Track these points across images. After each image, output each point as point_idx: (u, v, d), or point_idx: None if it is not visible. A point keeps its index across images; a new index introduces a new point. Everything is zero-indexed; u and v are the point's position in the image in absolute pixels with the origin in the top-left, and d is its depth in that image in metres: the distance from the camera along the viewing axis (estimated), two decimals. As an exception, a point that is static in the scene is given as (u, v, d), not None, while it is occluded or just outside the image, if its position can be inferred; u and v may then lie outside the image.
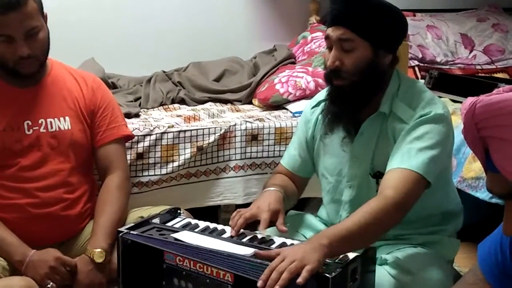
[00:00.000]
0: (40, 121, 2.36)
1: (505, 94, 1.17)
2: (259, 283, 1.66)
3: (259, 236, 1.99)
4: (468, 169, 2.78)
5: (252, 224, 2.01)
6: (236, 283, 1.73)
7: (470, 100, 1.20)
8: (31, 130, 2.35)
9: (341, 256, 1.79)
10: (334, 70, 2.02)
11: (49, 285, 2.22)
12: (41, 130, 2.36)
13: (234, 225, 1.98)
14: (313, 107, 2.26)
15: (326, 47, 2.07)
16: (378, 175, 2.06)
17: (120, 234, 1.97)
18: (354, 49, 1.99)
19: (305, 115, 2.29)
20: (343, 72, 2.01)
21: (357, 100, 2.05)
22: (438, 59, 3.81)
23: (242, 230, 1.98)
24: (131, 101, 3.30)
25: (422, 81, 3.46)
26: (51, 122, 2.37)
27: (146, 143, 2.92)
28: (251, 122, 3.10)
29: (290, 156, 2.30)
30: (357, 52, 2.00)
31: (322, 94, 2.25)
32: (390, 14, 2.04)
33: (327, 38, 2.05)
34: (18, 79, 2.34)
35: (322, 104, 2.19)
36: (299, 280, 1.64)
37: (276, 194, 2.10)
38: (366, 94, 2.05)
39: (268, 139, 3.08)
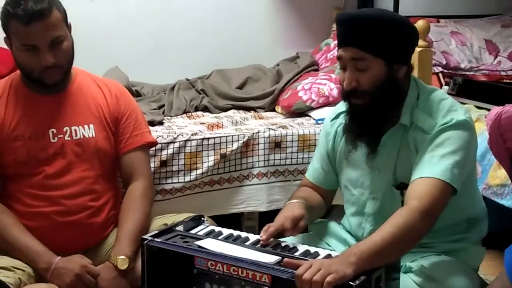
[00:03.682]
0: (64, 129, 2.37)
1: None
2: None
3: (283, 244, 2.00)
4: (493, 176, 2.75)
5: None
6: (273, 284, 1.74)
7: (495, 110, 1.18)
8: (56, 138, 2.36)
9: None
10: (352, 90, 2.02)
11: (75, 293, 2.24)
12: (66, 138, 2.37)
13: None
14: (332, 120, 2.25)
15: (340, 67, 2.07)
16: (402, 186, 2.04)
17: (145, 242, 1.97)
18: (368, 67, 1.98)
19: (325, 128, 2.29)
20: (361, 91, 2.00)
21: (378, 116, 2.04)
22: (462, 66, 3.78)
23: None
24: (155, 109, 3.31)
25: (446, 87, 3.44)
26: (75, 130, 2.39)
27: (170, 151, 2.93)
28: (274, 130, 3.10)
29: (314, 169, 2.30)
30: (372, 70, 1.98)
31: (340, 107, 2.24)
32: (397, 26, 2.01)
33: (339, 58, 2.04)
34: (43, 87, 2.36)
35: (341, 116, 2.19)
36: None
37: (298, 204, 2.11)
38: (385, 109, 2.03)
39: (292, 146, 3.08)
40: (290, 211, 2.07)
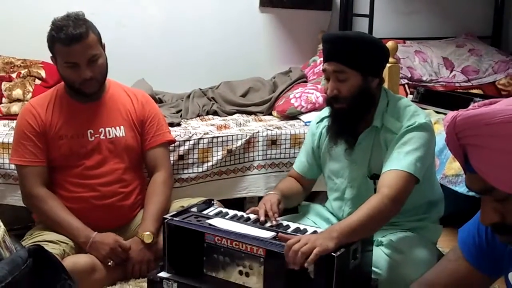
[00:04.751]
0: (100, 130, 2.37)
1: (480, 109, 1.15)
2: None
3: (278, 222, 1.99)
4: (449, 168, 2.75)
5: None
6: (267, 256, 1.74)
7: (451, 114, 1.18)
8: (93, 137, 2.36)
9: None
10: (333, 97, 2.01)
11: (109, 263, 2.23)
12: (101, 137, 2.37)
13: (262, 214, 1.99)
14: (317, 123, 2.25)
15: (324, 78, 2.07)
16: (374, 177, 2.05)
17: (166, 220, 1.97)
18: (347, 79, 1.98)
19: (311, 129, 2.28)
20: (341, 98, 2.00)
21: (354, 118, 2.04)
22: (424, 78, 3.77)
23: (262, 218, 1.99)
24: (174, 113, 3.31)
25: (411, 96, 3.43)
26: (109, 130, 2.39)
27: (186, 147, 2.92)
28: (271, 130, 3.09)
29: (300, 162, 2.29)
30: (350, 81, 1.98)
31: (324, 112, 2.23)
32: (372, 46, 2.02)
33: (324, 71, 2.04)
34: (82, 96, 2.36)
35: (325, 120, 2.18)
36: (306, 265, 1.64)
37: (274, 195, 2.09)
38: (360, 113, 2.04)
39: (285, 144, 3.07)
40: (269, 197, 2.07)
